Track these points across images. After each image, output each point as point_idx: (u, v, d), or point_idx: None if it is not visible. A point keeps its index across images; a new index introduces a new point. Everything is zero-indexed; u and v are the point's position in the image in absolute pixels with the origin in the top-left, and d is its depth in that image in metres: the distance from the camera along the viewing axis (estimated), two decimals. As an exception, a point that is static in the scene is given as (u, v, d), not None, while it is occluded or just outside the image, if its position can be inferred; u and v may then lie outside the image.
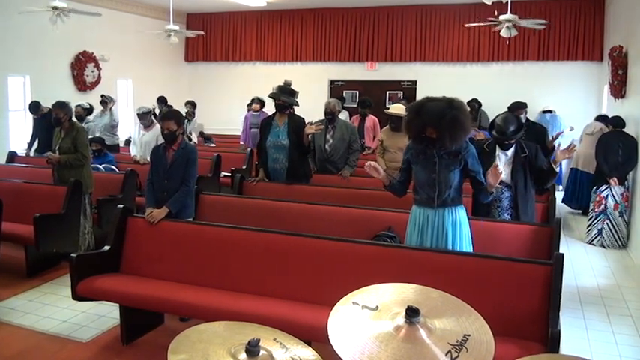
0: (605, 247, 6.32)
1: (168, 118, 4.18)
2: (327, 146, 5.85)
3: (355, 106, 9.89)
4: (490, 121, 4.86)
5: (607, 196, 6.34)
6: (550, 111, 9.39)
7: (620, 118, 6.59)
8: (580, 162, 7.56)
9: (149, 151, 6.88)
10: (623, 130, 6.49)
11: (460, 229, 3.46)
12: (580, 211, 7.87)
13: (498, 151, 4.18)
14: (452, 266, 3.12)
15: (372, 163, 3.56)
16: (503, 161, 4.16)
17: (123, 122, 9.59)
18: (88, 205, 5.33)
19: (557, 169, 4.06)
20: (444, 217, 3.43)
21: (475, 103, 9.84)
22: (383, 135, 5.84)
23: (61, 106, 5.37)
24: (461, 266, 3.11)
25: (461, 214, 3.48)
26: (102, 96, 8.44)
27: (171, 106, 9.80)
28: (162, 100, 9.90)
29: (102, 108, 8.36)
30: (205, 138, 9.94)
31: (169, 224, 3.95)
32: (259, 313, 2.99)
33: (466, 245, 3.49)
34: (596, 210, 6.40)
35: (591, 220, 6.46)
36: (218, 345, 1.48)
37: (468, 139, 3.55)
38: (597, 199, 6.38)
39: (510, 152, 4.16)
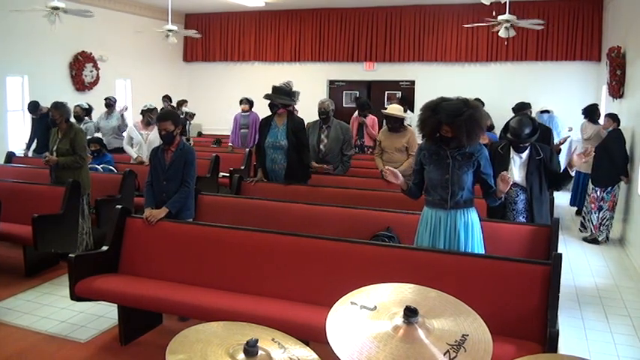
0: (621, 241, 6.45)
1: (164, 118, 4.10)
2: (321, 146, 5.85)
3: (354, 106, 9.88)
4: (504, 123, 4.87)
5: (617, 193, 6.45)
6: (548, 111, 9.39)
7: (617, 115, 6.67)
8: (583, 164, 7.53)
9: None
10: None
11: (472, 231, 3.43)
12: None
13: (513, 154, 4.15)
14: (450, 266, 3.12)
15: (392, 169, 3.52)
16: (517, 164, 4.14)
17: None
18: (85, 206, 5.32)
19: (573, 174, 4.06)
20: (456, 218, 3.40)
21: (479, 103, 9.80)
22: (381, 136, 5.83)
23: (57, 107, 5.35)
24: (459, 266, 3.11)
25: (473, 215, 3.45)
26: (107, 99, 8.31)
27: (173, 106, 9.88)
28: (168, 99, 9.98)
29: (106, 110, 8.23)
30: (215, 141, 9.81)
31: (168, 224, 3.94)
32: (257, 314, 2.99)
33: (478, 247, 3.46)
34: (610, 210, 6.45)
35: (605, 220, 6.46)
36: (216, 345, 1.48)
37: None
38: (612, 198, 6.44)
39: (525, 155, 4.13)
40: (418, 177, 3.58)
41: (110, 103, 8.26)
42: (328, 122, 5.88)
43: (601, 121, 7.45)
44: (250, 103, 8.71)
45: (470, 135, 3.23)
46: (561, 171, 4.12)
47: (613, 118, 6.69)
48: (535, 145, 4.15)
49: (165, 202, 4.08)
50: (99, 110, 8.43)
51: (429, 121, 3.33)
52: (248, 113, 8.65)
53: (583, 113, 7.68)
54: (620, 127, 6.55)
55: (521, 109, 6.02)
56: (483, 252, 3.47)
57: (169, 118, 4.11)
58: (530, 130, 4.04)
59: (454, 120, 3.19)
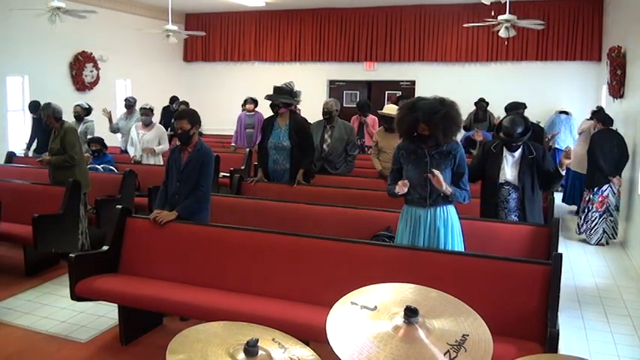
0: (609, 243, 6.42)
1: (181, 117, 3.99)
2: (325, 146, 5.85)
3: (354, 106, 9.88)
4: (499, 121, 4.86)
5: (608, 194, 6.39)
6: (566, 112, 9.36)
7: (609, 115, 6.65)
8: (572, 161, 7.52)
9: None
10: (611, 127, 6.56)
11: (452, 228, 3.49)
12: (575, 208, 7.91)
13: (505, 153, 4.17)
14: (450, 266, 3.12)
15: (404, 182, 3.49)
16: (510, 162, 4.16)
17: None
18: (81, 206, 5.27)
19: (564, 172, 4.07)
20: (435, 216, 3.46)
21: (483, 103, 9.72)
22: (377, 136, 5.84)
23: (44, 108, 5.33)
24: (459, 266, 3.11)
25: (452, 212, 3.51)
26: (126, 99, 8.14)
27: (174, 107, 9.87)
28: (173, 100, 9.98)
29: (126, 110, 8.05)
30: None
31: (168, 224, 3.93)
32: (258, 314, 2.99)
33: (458, 244, 3.51)
34: (599, 210, 6.38)
35: (595, 221, 6.40)
36: (217, 345, 1.48)
37: (467, 138, 3.57)
38: (600, 199, 6.38)
39: (517, 153, 4.15)
40: (397, 176, 3.62)
41: (130, 104, 8.02)
42: (332, 122, 5.89)
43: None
44: (255, 102, 8.71)
45: (446, 132, 3.31)
46: (552, 170, 4.13)
47: (598, 118, 6.66)
48: (528, 143, 4.17)
49: (176, 204, 3.97)
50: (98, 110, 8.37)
51: (406, 119, 3.40)
52: (253, 113, 8.66)
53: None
54: (611, 128, 6.51)
55: (514, 108, 6.02)
56: (463, 249, 3.53)
57: (185, 116, 3.99)
58: (523, 129, 4.07)
59: (430, 118, 3.27)
